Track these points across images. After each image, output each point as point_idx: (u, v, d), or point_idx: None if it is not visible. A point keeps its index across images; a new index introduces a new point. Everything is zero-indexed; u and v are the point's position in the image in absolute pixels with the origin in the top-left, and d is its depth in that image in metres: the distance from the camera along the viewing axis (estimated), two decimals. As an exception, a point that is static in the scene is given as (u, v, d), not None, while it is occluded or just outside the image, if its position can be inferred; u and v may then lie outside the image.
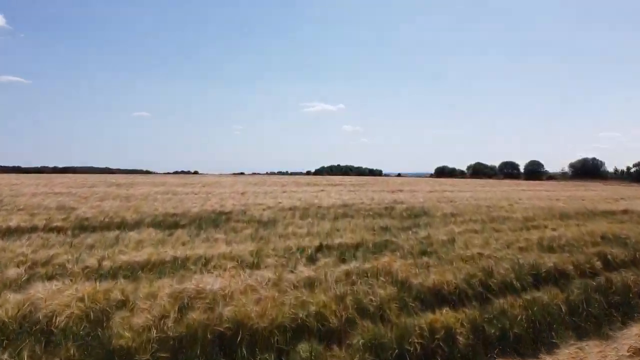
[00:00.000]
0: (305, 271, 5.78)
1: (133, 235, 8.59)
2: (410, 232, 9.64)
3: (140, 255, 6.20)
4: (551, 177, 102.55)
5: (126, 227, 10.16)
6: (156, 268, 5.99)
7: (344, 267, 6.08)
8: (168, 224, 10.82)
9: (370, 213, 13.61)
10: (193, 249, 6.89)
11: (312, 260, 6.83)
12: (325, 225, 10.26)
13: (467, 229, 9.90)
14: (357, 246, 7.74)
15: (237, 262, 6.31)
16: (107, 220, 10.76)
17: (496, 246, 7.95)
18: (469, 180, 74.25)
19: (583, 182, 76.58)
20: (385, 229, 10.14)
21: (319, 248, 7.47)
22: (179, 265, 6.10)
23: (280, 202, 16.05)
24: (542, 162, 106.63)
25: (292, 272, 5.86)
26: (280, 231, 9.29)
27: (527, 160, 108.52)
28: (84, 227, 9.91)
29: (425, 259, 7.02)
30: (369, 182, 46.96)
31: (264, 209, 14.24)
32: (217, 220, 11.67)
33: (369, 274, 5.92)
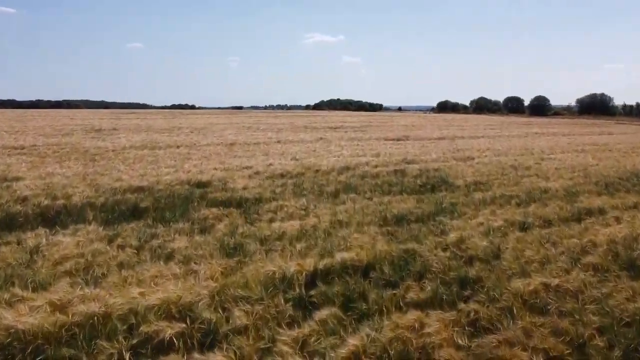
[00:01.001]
0: None
1: (59, 241, 6.29)
2: (434, 227, 7.35)
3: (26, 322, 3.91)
4: (557, 113, 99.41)
5: (65, 216, 7.85)
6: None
7: (351, 341, 3.83)
8: (123, 209, 8.50)
9: (379, 183, 11.25)
10: (122, 289, 4.60)
11: (301, 306, 4.57)
12: (324, 216, 7.93)
13: (507, 222, 7.59)
14: (367, 268, 5.46)
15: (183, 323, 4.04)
16: (44, 203, 8.43)
17: (561, 264, 5.69)
18: (474, 117, 71.23)
19: (592, 119, 73.72)
20: (400, 219, 7.84)
21: (314, 276, 5.19)
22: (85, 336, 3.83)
23: (270, 165, 13.65)
24: (547, 97, 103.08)
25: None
26: (264, 231, 6.97)
27: (532, 96, 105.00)
28: (3, 220, 7.60)
29: (467, 298, 4.78)
30: (371, 122, 44.23)
31: (250, 176, 11.88)
32: (188, 198, 9.35)
33: (390, 351, 3.70)
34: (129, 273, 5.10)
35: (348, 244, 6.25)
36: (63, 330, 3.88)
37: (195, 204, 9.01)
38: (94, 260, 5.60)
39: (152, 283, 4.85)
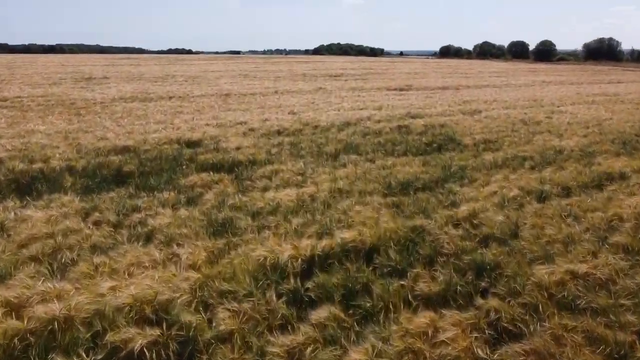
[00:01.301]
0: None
1: (28, 217, 5.66)
2: (443, 196, 6.71)
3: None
4: (562, 58, 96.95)
5: (41, 184, 7.19)
6: None
7: (354, 355, 3.26)
8: (105, 173, 7.83)
9: (381, 142, 10.53)
10: (91, 282, 4.01)
11: (295, 302, 4.00)
12: (323, 183, 7.27)
13: (523, 190, 6.94)
14: (371, 251, 4.86)
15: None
16: (20, 168, 7.75)
17: (587, 244, 5.09)
18: (477, 63, 69.18)
19: (599, 65, 71.84)
20: (406, 187, 7.18)
21: (311, 262, 4.59)
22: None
23: (266, 120, 12.85)
24: (553, 41, 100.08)
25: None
26: (257, 202, 6.32)
27: (537, 40, 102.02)
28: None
29: (484, 290, 4.21)
30: (372, 69, 42.79)
31: (244, 133, 11.14)
32: (177, 160, 8.67)
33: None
34: (101, 260, 4.49)
35: (349, 220, 5.62)
36: (16, 340, 3.31)
37: (184, 167, 8.35)
38: (65, 241, 4.98)
39: (126, 273, 4.25)
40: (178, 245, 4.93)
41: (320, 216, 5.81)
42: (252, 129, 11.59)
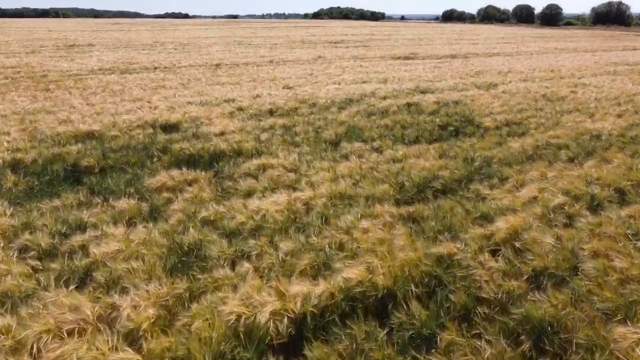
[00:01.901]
0: None
1: None
2: (470, 204, 5.36)
3: None
4: (569, 23, 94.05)
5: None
6: None
7: None
8: (58, 170, 6.47)
9: (389, 124, 9.10)
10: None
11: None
12: (321, 184, 5.90)
13: (568, 194, 5.59)
14: (385, 300, 3.56)
15: None
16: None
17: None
18: (483, 28, 66.61)
19: (608, 29, 69.40)
20: (423, 188, 5.83)
21: (301, 324, 3.29)
22: None
23: (258, 96, 11.38)
24: (559, 4, 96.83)
25: None
26: (237, 213, 4.97)
27: (543, 4, 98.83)
28: None
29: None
30: (374, 35, 40.72)
31: (231, 114, 9.71)
32: (147, 150, 7.29)
33: None
34: (3, 323, 3.18)
35: (354, 246, 4.29)
36: None
37: (155, 160, 6.97)
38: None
39: (33, 350, 2.95)
40: (122, 291, 3.62)
41: (317, 238, 4.48)
42: (240, 108, 10.15)
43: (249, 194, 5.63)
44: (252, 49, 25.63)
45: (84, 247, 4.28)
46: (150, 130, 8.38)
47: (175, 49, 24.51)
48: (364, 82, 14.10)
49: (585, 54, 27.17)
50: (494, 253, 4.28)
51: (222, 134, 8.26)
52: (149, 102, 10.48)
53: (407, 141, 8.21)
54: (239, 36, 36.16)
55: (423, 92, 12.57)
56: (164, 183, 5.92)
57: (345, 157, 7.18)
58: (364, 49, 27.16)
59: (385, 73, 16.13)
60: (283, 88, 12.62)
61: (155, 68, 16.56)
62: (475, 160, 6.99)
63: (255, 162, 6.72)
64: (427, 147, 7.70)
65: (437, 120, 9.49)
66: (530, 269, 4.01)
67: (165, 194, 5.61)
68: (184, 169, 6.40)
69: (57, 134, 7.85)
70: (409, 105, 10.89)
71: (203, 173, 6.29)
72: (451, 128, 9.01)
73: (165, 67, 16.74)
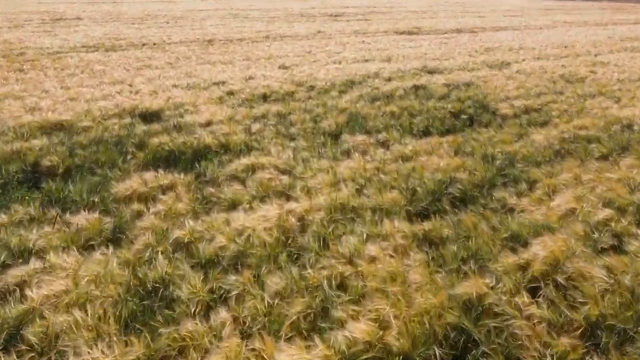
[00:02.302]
0: None
1: None
2: (496, 218, 4.50)
3: None
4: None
5: None
6: None
7: None
8: (14, 171, 5.58)
9: (395, 112, 8.16)
10: None
11: None
12: (320, 191, 5.02)
13: (611, 205, 4.72)
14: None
15: None
16: None
17: None
18: None
19: (616, 2, 67.40)
20: (439, 197, 4.96)
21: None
22: None
23: (251, 78, 10.40)
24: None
25: None
26: (217, 233, 4.10)
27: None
28: None
29: None
30: (375, 8, 39.12)
31: (220, 99, 8.76)
32: (121, 146, 6.39)
33: None
34: None
35: (359, 286, 3.44)
36: None
37: (129, 158, 6.07)
38: None
39: None
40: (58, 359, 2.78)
41: (312, 270, 3.63)
42: (231, 93, 9.19)
43: (233, 205, 4.76)
44: (248, 22, 24.38)
45: (21, 286, 3.43)
46: (128, 120, 7.45)
47: (167, 23, 23.27)
48: (367, 60, 13.08)
49: (596, 28, 25.92)
50: (533, 292, 3.44)
51: (208, 124, 7.34)
52: (130, 85, 9.51)
53: (417, 132, 7.30)
54: (235, 8, 34.69)
55: (431, 72, 11.57)
56: (134, 190, 5.04)
57: (347, 153, 6.29)
58: (366, 22, 25.89)
59: (388, 50, 15.06)
60: (279, 68, 11.62)
61: (144, 45, 15.48)
62: (497, 158, 6.10)
63: (244, 160, 5.81)
64: (440, 141, 6.79)
65: (449, 106, 8.55)
66: (582, 317, 3.18)
67: (135, 206, 4.73)
68: (161, 171, 5.50)
69: (21, 125, 6.94)
70: (416, 88, 9.93)
71: (182, 176, 5.40)
72: (464, 116, 8.08)
73: (154, 44, 15.65)
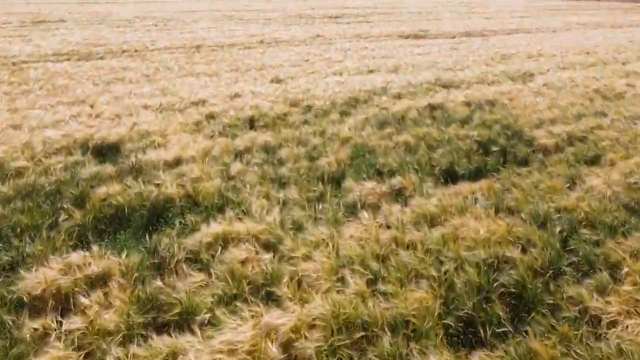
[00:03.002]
0: None
1: None
2: (582, 346, 2.99)
3: None
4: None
5: None
6: None
7: None
8: None
9: (410, 143, 6.63)
10: None
11: None
12: (317, 289, 3.49)
13: None
14: None
15: None
16: None
17: None
18: None
19: (623, 2, 65.96)
20: (488, 295, 3.44)
21: None
22: None
23: (236, 96, 8.88)
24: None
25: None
26: None
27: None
28: None
29: None
30: (376, 8, 37.59)
31: (196, 125, 7.24)
32: (54, 202, 4.87)
33: None
34: None
35: None
36: None
37: (61, 219, 4.55)
38: None
39: None
40: None
41: None
42: (211, 116, 7.67)
43: (186, 319, 3.23)
44: (242, 25, 22.82)
45: None
46: (77, 157, 5.93)
47: (156, 26, 21.72)
48: (371, 71, 11.56)
49: (613, 31, 24.41)
50: None
51: (176, 163, 5.82)
52: (91, 106, 7.99)
53: (439, 173, 5.78)
54: (230, 9, 33.13)
55: (445, 86, 10.06)
56: (49, 284, 3.51)
57: (353, 211, 4.76)
58: (367, 24, 24.34)
59: (395, 58, 13.53)
60: (271, 82, 10.09)
61: (123, 52, 13.94)
62: (552, 218, 4.56)
63: (214, 227, 4.27)
64: (471, 188, 5.25)
65: (474, 134, 7.03)
66: None
67: (38, 323, 3.19)
68: (96, 247, 3.97)
69: None
70: (432, 108, 8.41)
71: (123, 258, 3.86)
72: (495, 148, 6.56)
73: (135, 51, 14.11)
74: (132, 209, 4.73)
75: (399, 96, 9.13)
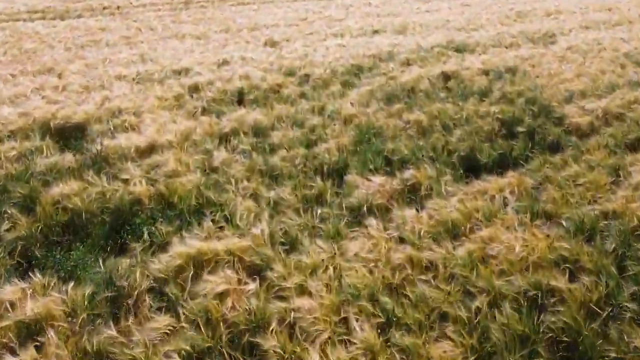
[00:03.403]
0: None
1: None
2: None
3: None
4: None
5: None
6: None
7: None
8: None
9: (423, 121, 5.74)
10: None
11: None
12: (317, 342, 2.72)
13: None
14: None
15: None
16: None
17: None
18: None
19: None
20: (533, 346, 2.67)
21: None
22: None
23: (225, 63, 7.89)
24: None
25: None
26: None
27: None
28: None
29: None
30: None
31: (177, 99, 6.33)
32: None
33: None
34: None
35: None
36: None
37: (3, 229, 3.74)
38: None
39: None
40: None
41: None
42: (195, 88, 6.75)
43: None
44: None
45: None
46: (35, 142, 5.09)
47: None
48: (376, 31, 10.48)
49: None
50: None
51: (150, 150, 4.97)
52: (59, 76, 7.04)
53: (458, 162, 4.95)
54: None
55: (459, 50, 9.05)
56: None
57: (357, 216, 3.95)
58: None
59: (401, 16, 12.37)
60: (265, 45, 9.07)
61: (104, 9, 12.78)
62: (600, 229, 3.75)
63: (188, 245, 3.46)
64: (498, 185, 4.40)
65: (495, 110, 6.13)
66: None
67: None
68: (38, 275, 3.17)
69: None
70: (445, 77, 7.46)
71: (70, 289, 3.06)
72: (521, 129, 5.67)
73: (117, 8, 12.94)
74: (92, 214, 3.93)
75: (407, 62, 8.16)
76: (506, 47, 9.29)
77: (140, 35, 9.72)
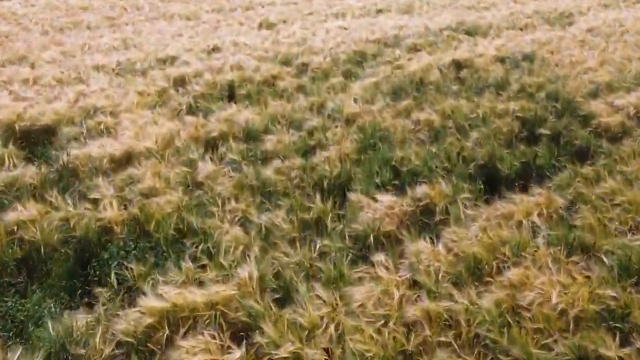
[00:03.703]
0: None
1: None
2: None
3: None
4: None
5: None
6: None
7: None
8: None
9: (435, 122, 5.12)
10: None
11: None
12: None
13: None
14: None
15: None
16: None
17: None
18: None
19: None
20: None
21: None
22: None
23: (215, 49, 7.21)
24: None
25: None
26: None
27: None
28: None
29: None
30: None
31: (160, 95, 5.70)
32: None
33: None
34: None
35: None
36: None
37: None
38: None
39: None
40: None
41: None
42: (181, 80, 6.09)
43: None
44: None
45: None
46: (-3, 149, 4.47)
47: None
48: (380, 11, 9.74)
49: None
50: None
51: (126, 159, 4.38)
52: (32, 66, 6.37)
53: (476, 174, 4.36)
54: None
55: (470, 33, 8.34)
56: None
57: (364, 253, 3.38)
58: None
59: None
60: (259, 27, 8.35)
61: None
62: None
63: (161, 298, 2.89)
64: (524, 206, 3.81)
65: (515, 107, 5.51)
66: None
67: None
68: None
69: None
70: (457, 66, 6.80)
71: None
72: (544, 131, 5.07)
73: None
74: (52, 248, 3.35)
75: (415, 48, 7.47)
76: (521, 30, 8.58)
77: (125, 16, 8.99)
